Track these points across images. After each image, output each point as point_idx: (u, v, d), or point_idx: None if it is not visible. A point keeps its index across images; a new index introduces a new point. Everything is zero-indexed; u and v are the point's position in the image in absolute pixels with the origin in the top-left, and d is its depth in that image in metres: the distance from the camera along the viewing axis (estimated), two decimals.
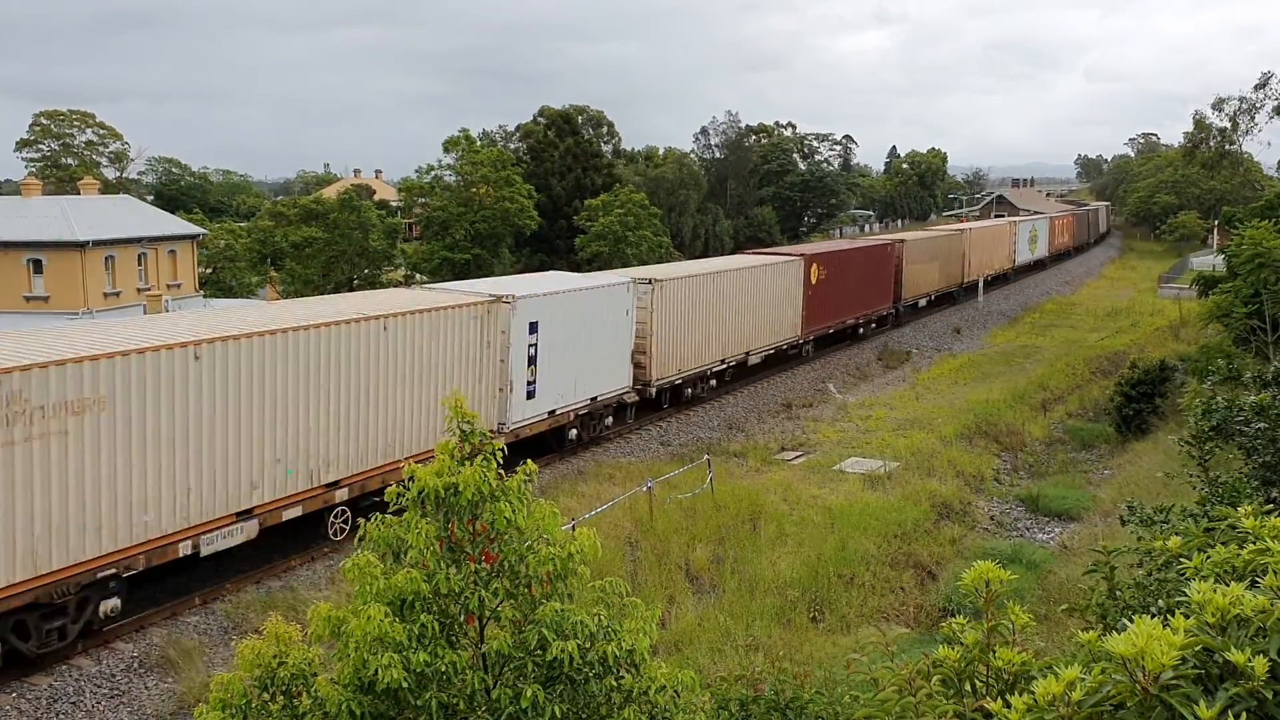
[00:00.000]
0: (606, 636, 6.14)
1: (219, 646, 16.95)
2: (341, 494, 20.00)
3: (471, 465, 6.29)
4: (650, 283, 30.60)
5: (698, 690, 6.61)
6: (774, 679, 7.20)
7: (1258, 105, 54.52)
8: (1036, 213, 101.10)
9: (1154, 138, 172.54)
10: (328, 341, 19.21)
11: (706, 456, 26.23)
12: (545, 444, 27.06)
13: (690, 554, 20.51)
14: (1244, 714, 2.61)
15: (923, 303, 55.76)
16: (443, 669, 5.90)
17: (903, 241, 52.17)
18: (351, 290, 54.29)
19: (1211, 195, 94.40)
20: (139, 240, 47.75)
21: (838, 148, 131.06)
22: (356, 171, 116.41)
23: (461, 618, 6.25)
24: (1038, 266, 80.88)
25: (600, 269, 49.13)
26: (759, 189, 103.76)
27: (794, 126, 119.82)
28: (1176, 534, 6.12)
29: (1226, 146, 58.34)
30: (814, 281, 40.85)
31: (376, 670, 5.69)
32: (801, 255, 40.75)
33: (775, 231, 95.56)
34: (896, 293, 50.82)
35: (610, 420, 29.75)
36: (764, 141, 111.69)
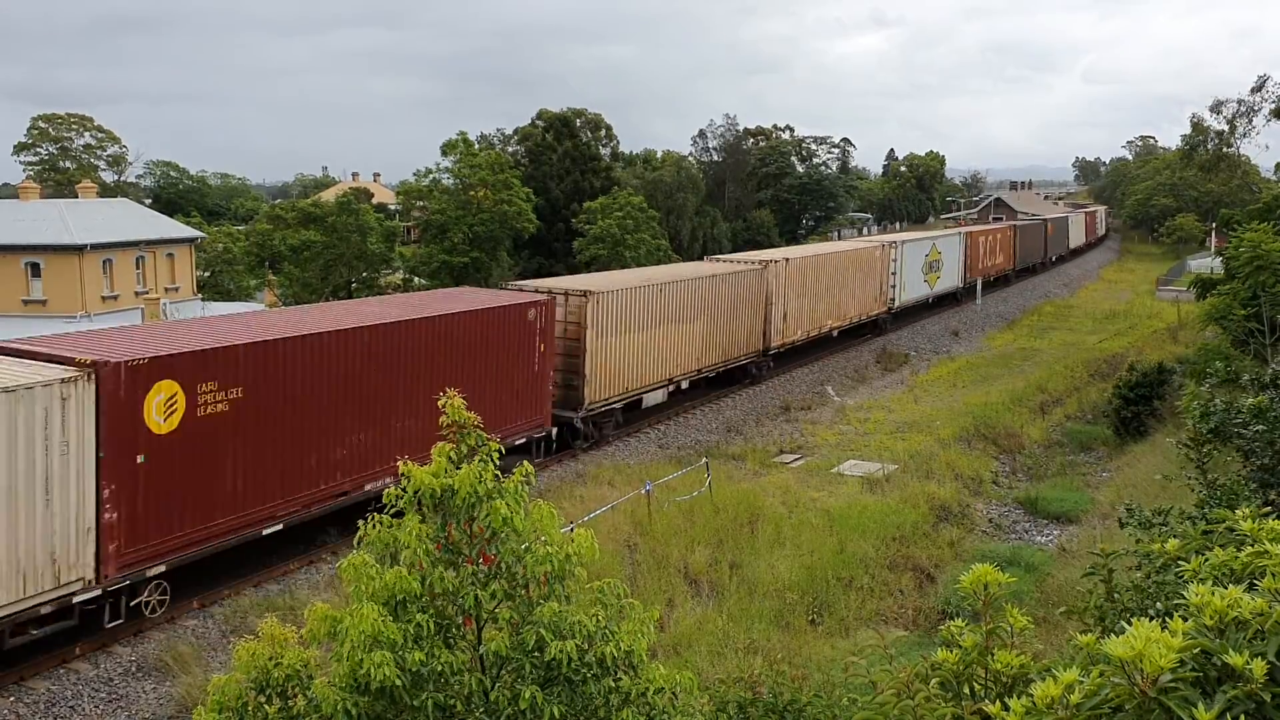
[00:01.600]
0: (605, 637, 6.12)
1: (217, 650, 16.93)
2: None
3: (468, 466, 6.28)
4: None
5: (696, 692, 6.60)
6: (772, 681, 7.20)
7: (1255, 108, 54.67)
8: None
9: (1151, 140, 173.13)
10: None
11: (705, 459, 26.23)
12: None
13: (689, 557, 20.50)
14: (1242, 717, 2.61)
15: (658, 397, 31.70)
16: (439, 669, 5.88)
17: (585, 295, 27.75)
18: (350, 294, 54.31)
19: (1209, 197, 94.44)
20: (137, 243, 47.72)
21: (835, 150, 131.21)
22: (355, 175, 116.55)
23: (459, 619, 6.23)
24: (949, 300, 57.90)
25: (600, 270, 48.85)
26: (757, 192, 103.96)
27: (792, 129, 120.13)
28: (1175, 536, 6.12)
29: (1224, 149, 58.45)
30: (163, 431, 16.53)
31: (370, 669, 5.67)
32: (106, 363, 15.65)
33: (774, 234, 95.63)
34: (578, 391, 27.75)
35: None
36: (762, 144, 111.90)
